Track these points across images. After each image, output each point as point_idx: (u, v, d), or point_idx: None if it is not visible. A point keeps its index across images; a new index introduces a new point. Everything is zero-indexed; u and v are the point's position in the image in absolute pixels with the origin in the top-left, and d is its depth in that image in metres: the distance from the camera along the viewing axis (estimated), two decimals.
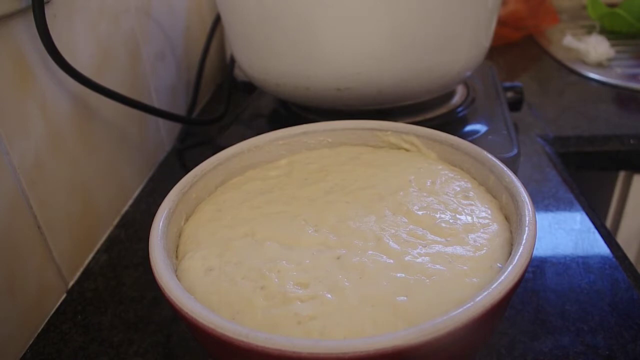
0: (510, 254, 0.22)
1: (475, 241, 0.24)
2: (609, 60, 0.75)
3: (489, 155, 0.29)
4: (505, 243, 0.24)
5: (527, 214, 0.23)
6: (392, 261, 0.23)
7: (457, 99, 0.52)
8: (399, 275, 0.22)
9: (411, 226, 0.25)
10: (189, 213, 0.29)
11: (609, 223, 0.66)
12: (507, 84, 0.58)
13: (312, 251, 0.24)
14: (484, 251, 0.23)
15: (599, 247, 0.39)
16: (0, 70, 0.31)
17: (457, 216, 0.26)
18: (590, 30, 0.89)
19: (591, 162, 0.55)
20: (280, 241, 0.25)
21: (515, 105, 0.57)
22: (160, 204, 0.27)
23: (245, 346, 0.18)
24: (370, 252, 0.24)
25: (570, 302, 0.34)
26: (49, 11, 0.34)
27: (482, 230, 0.25)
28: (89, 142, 0.41)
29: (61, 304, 0.36)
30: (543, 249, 0.39)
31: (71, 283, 0.38)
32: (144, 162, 0.51)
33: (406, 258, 0.23)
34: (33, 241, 0.34)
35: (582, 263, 0.37)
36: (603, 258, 0.38)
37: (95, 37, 0.42)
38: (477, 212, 0.26)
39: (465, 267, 0.22)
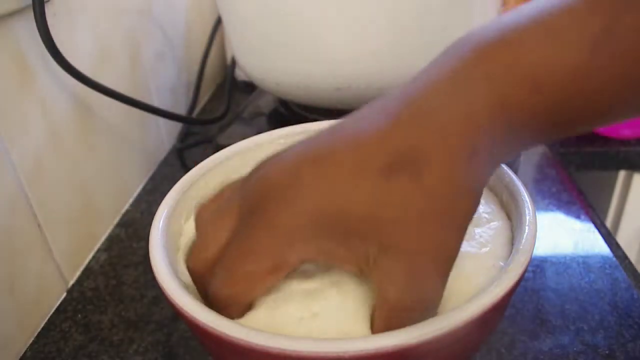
0: (511, 252, 0.22)
1: (480, 236, 0.24)
2: None
3: None
4: (507, 241, 0.24)
5: (527, 213, 0.23)
6: None
7: None
8: None
9: None
10: (189, 212, 0.29)
11: (609, 223, 0.66)
12: None
13: None
14: (488, 248, 0.23)
15: (599, 246, 0.39)
16: (0, 69, 0.31)
17: None
18: None
19: (591, 162, 0.55)
20: None
21: None
22: (160, 203, 0.27)
23: (246, 345, 0.18)
24: None
25: (570, 301, 0.34)
26: (49, 10, 0.34)
27: (486, 226, 0.25)
28: (89, 141, 0.41)
29: (61, 302, 0.36)
30: (543, 248, 0.39)
31: (71, 282, 0.38)
32: (144, 161, 0.51)
33: None
34: (33, 240, 0.34)
35: (582, 262, 0.37)
36: (603, 257, 0.38)
37: (96, 36, 0.42)
38: (481, 208, 0.26)
39: (468, 265, 0.22)
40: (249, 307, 0.21)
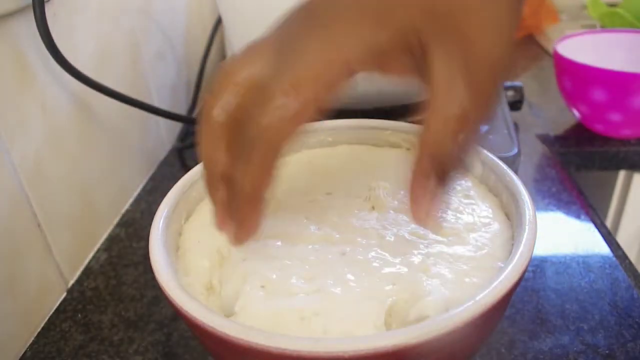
0: (511, 252, 0.22)
1: (476, 240, 0.24)
2: None
3: (490, 155, 0.29)
4: (506, 242, 0.24)
5: (527, 213, 0.23)
6: (394, 260, 0.23)
7: None
8: (402, 274, 0.22)
9: (412, 225, 0.25)
10: (189, 212, 0.29)
11: (609, 223, 0.66)
12: (507, 83, 0.58)
13: (316, 247, 0.24)
14: (485, 251, 0.23)
15: (599, 246, 0.39)
16: (0, 69, 0.31)
17: (458, 215, 0.26)
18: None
19: (591, 162, 0.55)
20: (283, 238, 0.25)
21: (515, 104, 0.57)
22: (160, 203, 0.27)
23: (246, 345, 0.18)
24: (373, 249, 0.24)
25: (570, 301, 0.34)
26: (49, 10, 0.34)
27: (483, 230, 0.25)
28: (89, 141, 0.41)
29: (61, 302, 0.36)
30: (543, 248, 0.39)
31: (71, 282, 0.38)
32: (144, 161, 0.51)
33: (408, 257, 0.23)
34: (33, 240, 0.34)
35: (582, 262, 0.37)
36: (603, 257, 0.38)
37: (96, 36, 0.42)
38: (478, 211, 0.26)
39: (466, 267, 0.22)
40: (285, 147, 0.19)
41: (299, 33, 0.18)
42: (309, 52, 0.18)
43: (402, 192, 0.28)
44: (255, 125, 0.18)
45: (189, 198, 0.29)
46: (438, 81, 0.17)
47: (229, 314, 0.22)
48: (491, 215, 0.26)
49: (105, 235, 0.43)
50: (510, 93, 0.57)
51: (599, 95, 0.51)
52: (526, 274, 0.21)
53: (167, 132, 0.57)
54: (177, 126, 0.59)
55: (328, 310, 0.20)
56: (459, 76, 0.17)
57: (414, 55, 0.18)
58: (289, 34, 0.19)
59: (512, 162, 0.41)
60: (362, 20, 0.17)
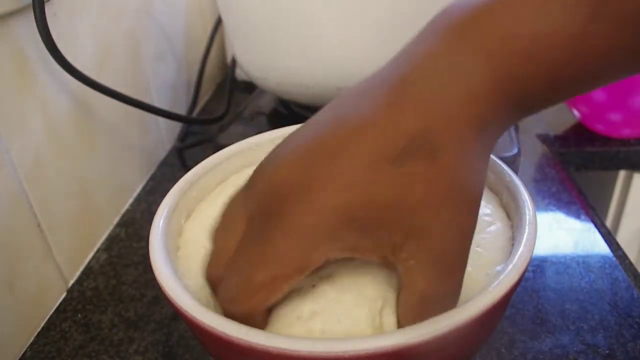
0: (511, 252, 0.22)
1: (476, 241, 0.24)
2: None
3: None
4: (507, 242, 0.24)
5: (527, 213, 0.23)
6: None
7: None
8: None
9: None
10: (189, 212, 0.29)
11: (609, 223, 0.66)
12: None
13: None
14: (485, 251, 0.23)
15: (599, 246, 0.39)
16: (0, 69, 0.31)
17: None
18: None
19: (591, 162, 0.55)
20: None
21: None
22: (160, 203, 0.27)
23: (246, 345, 0.18)
24: None
25: (570, 301, 0.34)
26: (49, 10, 0.34)
27: (484, 231, 0.25)
28: (89, 141, 0.41)
29: (61, 302, 0.36)
30: (543, 248, 0.39)
31: (71, 282, 0.38)
32: (144, 161, 0.51)
33: None
34: (33, 240, 0.34)
35: (582, 262, 0.37)
36: (603, 257, 0.38)
37: (96, 36, 0.42)
38: (480, 210, 0.26)
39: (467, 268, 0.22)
40: (268, 313, 0.21)
41: (271, 230, 0.19)
42: (283, 247, 0.19)
43: None
44: (229, 298, 0.20)
45: (189, 198, 0.29)
46: (407, 280, 0.19)
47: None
48: (492, 215, 0.26)
49: (105, 235, 0.43)
50: None
51: (599, 95, 0.51)
52: (526, 274, 0.21)
53: (167, 132, 0.57)
54: (177, 126, 0.59)
55: (325, 309, 0.20)
56: (436, 281, 0.19)
57: (385, 255, 0.19)
58: (259, 223, 0.20)
59: (512, 162, 0.41)
60: (344, 226, 0.18)
